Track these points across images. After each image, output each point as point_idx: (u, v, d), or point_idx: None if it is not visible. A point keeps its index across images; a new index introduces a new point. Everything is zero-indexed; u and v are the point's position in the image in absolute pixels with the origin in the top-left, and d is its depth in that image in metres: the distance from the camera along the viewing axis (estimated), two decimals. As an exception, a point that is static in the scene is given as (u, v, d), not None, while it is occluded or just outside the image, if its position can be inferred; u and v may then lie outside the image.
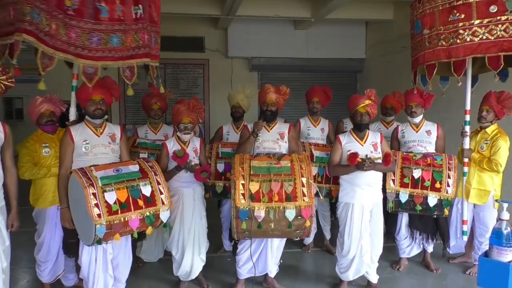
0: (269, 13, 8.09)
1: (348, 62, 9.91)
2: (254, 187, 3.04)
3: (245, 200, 3.02)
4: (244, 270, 3.54)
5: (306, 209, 3.05)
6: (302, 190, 3.07)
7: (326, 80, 9.27)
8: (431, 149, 3.94)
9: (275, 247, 3.52)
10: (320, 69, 9.92)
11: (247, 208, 3.01)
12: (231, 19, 8.52)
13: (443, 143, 4.00)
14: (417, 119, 3.98)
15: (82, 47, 2.98)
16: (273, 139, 3.58)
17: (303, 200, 3.06)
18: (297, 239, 3.30)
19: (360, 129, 3.48)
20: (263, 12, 8.08)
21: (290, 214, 3.03)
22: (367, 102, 3.39)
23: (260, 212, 3.01)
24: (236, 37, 9.37)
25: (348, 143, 3.49)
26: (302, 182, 3.09)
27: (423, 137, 3.96)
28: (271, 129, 3.62)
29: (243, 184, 3.04)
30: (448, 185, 3.66)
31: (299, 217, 3.06)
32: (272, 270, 3.64)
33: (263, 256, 3.51)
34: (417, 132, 3.99)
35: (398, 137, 4.12)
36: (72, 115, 3.33)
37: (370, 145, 3.47)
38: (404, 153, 3.86)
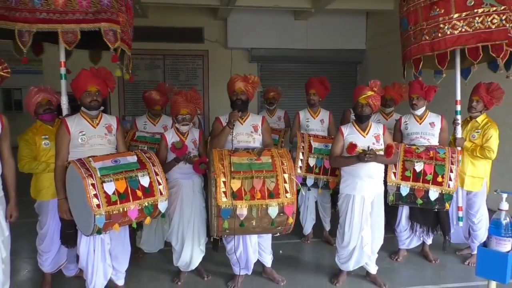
0: (269, 3, 8.04)
1: (348, 53, 9.89)
2: (235, 184, 2.93)
3: (227, 198, 2.91)
4: (238, 267, 3.55)
5: (289, 206, 2.99)
6: (285, 187, 2.99)
7: (326, 71, 9.25)
8: (434, 141, 3.91)
9: (254, 241, 3.50)
10: (320, 60, 9.90)
11: (229, 207, 2.91)
12: (230, 10, 8.48)
13: (446, 135, 3.97)
14: (419, 111, 3.94)
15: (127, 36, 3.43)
16: (247, 132, 3.53)
17: (286, 197, 2.98)
18: (277, 234, 3.24)
19: (361, 121, 3.46)
20: (263, 2, 8.04)
21: (273, 211, 2.96)
22: (369, 93, 3.36)
23: (242, 210, 2.92)
24: (236, 27, 9.34)
25: (350, 135, 3.47)
26: (284, 179, 3.01)
27: (427, 129, 3.93)
28: (244, 121, 3.55)
29: (224, 182, 2.92)
30: (450, 179, 3.63)
31: (282, 214, 2.99)
32: (267, 261, 3.66)
33: (245, 253, 3.49)
34: (420, 124, 3.96)
35: (401, 128, 4.08)
36: (64, 103, 3.32)
37: (372, 137, 3.45)
38: (407, 146, 3.83)
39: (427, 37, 3.57)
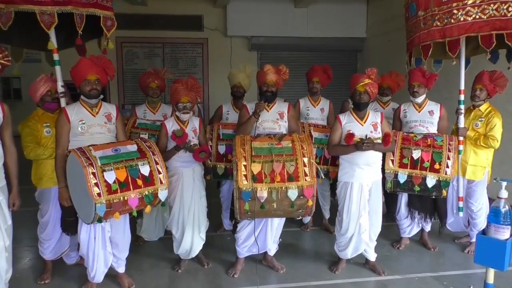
0: (269, -10, 7.98)
1: (349, 41, 9.83)
2: (256, 168, 3.03)
3: (247, 181, 3.02)
4: (244, 249, 3.58)
5: (308, 189, 3.06)
6: (304, 170, 3.07)
7: (326, 59, 9.18)
8: (433, 129, 3.91)
9: (275, 225, 3.55)
10: (320, 49, 9.84)
11: (249, 189, 3.01)
12: (230, -3, 8.41)
13: (445, 123, 3.96)
14: (419, 99, 3.94)
15: None
16: (273, 119, 3.56)
17: (305, 180, 3.05)
18: (299, 218, 3.32)
19: (359, 109, 3.46)
20: (263, -11, 7.97)
21: (293, 194, 3.04)
22: (367, 81, 3.36)
23: (262, 192, 3.02)
24: (236, 15, 9.27)
25: (348, 123, 3.47)
26: (303, 162, 3.09)
27: (425, 117, 3.93)
28: (270, 109, 3.59)
29: (245, 165, 3.03)
30: (447, 166, 3.65)
31: (302, 197, 3.07)
32: (272, 249, 3.68)
33: (263, 234, 3.54)
34: (419, 112, 3.96)
35: (400, 117, 4.08)
36: (59, 89, 3.31)
37: (370, 125, 3.45)
38: (405, 134, 3.84)
39: (439, 23, 3.48)
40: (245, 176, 3.03)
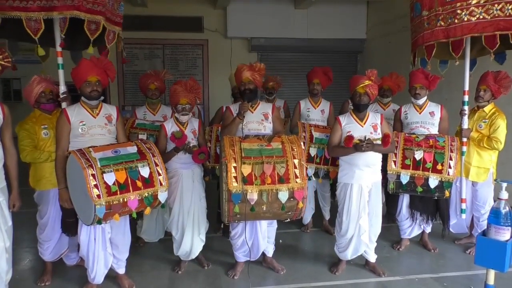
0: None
1: (349, 42, 9.82)
2: (246, 169, 2.98)
3: (237, 183, 2.96)
4: (241, 254, 3.58)
5: (299, 191, 3.03)
6: (295, 172, 3.03)
7: (326, 61, 9.20)
8: (434, 130, 3.90)
9: (264, 227, 3.53)
10: (320, 50, 9.83)
11: (239, 191, 2.96)
12: (230, -2, 8.41)
13: (446, 124, 3.96)
14: (420, 101, 3.94)
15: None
16: (258, 120, 3.52)
17: (296, 182, 3.02)
18: (287, 220, 3.27)
19: (359, 110, 3.46)
20: (263, -10, 7.97)
21: (283, 196, 3.01)
22: (367, 82, 3.36)
23: (253, 195, 2.97)
24: (236, 17, 9.27)
25: (348, 124, 3.47)
26: (294, 164, 3.05)
27: (426, 118, 3.93)
28: (254, 110, 3.55)
29: (235, 167, 2.97)
30: (450, 167, 3.64)
31: (292, 199, 3.04)
32: (269, 250, 3.68)
33: (255, 239, 3.52)
34: (420, 113, 3.95)
35: (401, 118, 4.08)
36: (61, 94, 3.32)
37: (370, 126, 3.45)
38: (407, 135, 3.84)
39: (443, 23, 3.45)
40: (235, 178, 2.96)
